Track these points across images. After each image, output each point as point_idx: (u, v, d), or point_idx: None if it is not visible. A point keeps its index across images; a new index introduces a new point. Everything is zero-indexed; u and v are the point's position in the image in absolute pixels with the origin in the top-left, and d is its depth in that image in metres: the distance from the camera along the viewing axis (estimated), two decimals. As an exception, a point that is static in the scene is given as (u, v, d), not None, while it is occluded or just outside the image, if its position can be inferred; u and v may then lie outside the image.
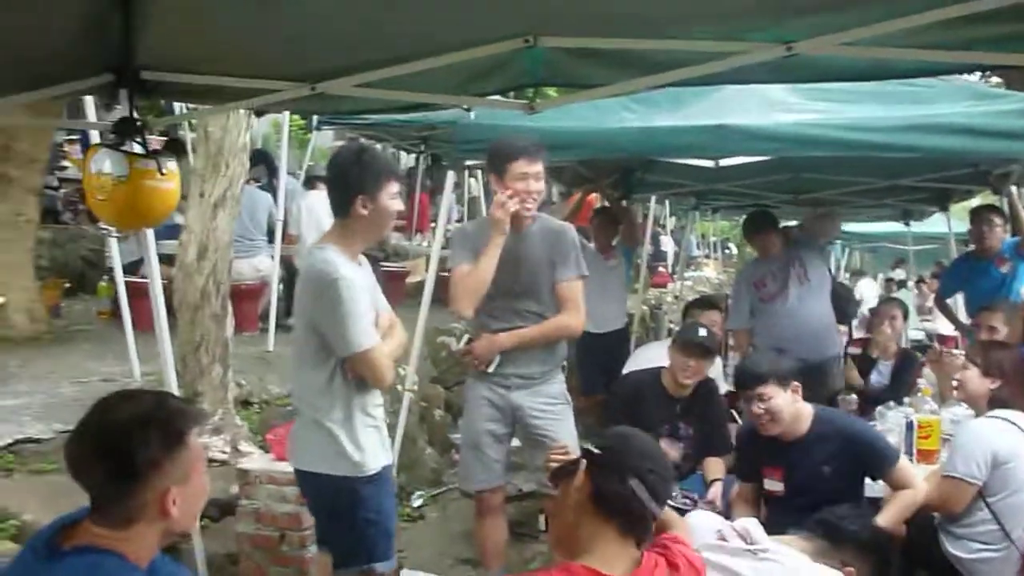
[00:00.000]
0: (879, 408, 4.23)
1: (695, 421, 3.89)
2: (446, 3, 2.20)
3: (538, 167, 3.26)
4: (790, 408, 3.09)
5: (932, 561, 3.20)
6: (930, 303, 8.40)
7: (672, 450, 3.79)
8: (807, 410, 3.15)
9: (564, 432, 3.43)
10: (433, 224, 10.69)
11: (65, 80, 2.45)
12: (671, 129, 3.40)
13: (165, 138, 5.59)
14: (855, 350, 5.52)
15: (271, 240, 6.87)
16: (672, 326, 9.05)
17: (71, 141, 9.19)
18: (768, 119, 3.91)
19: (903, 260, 14.16)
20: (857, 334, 7.94)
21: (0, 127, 5.59)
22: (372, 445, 2.77)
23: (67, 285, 7.18)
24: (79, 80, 2.49)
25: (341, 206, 2.75)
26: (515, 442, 3.67)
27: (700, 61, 2.38)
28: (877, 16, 2.04)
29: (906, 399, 4.20)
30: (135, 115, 2.58)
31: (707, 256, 17.71)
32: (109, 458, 1.59)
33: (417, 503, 5.13)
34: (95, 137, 4.15)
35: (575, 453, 2.84)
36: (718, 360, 4.80)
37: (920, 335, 8.32)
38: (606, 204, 6.30)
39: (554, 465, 2.83)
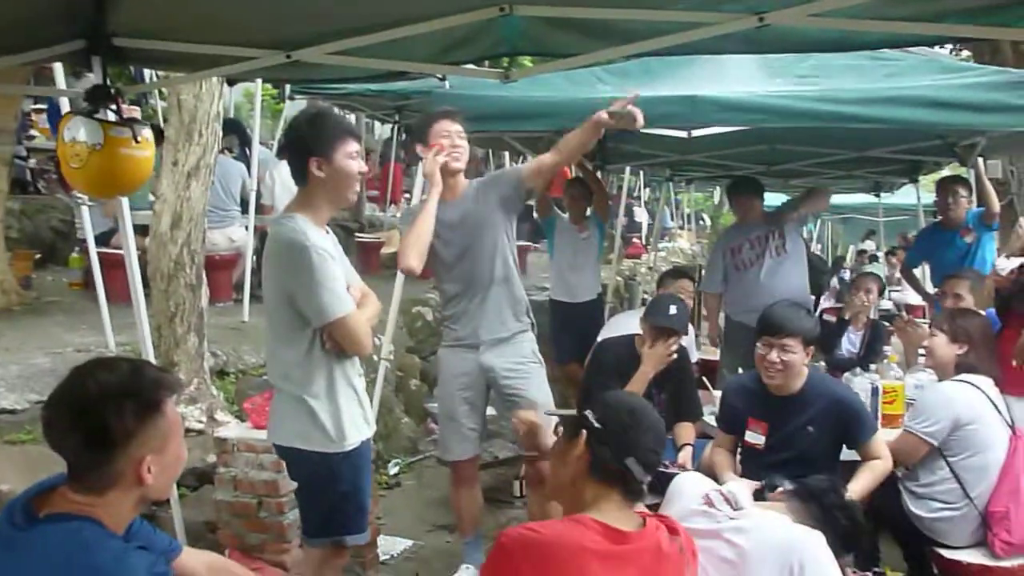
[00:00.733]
0: (846, 374, 4.32)
1: (667, 388, 3.95)
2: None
3: (458, 127, 3.41)
4: (800, 367, 3.17)
5: (894, 520, 3.31)
6: (898, 274, 8.54)
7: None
8: (804, 370, 3.23)
9: (536, 391, 3.49)
10: (407, 195, 10.66)
11: (35, 47, 2.42)
12: (644, 99, 3.44)
13: (138, 107, 5.52)
14: (829, 317, 5.62)
15: (245, 210, 6.82)
16: (646, 296, 9.12)
17: (38, 111, 9.01)
18: (740, 90, 3.95)
19: (873, 232, 14.34)
20: (826, 304, 8.11)
21: (-34, 95, 5.50)
22: (353, 418, 2.74)
23: (37, 256, 7.09)
24: (49, 47, 2.46)
25: (299, 172, 2.69)
26: (491, 411, 3.73)
27: (674, 31, 2.41)
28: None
29: (872, 366, 4.30)
30: (108, 82, 2.57)
31: (681, 227, 17.79)
32: (85, 426, 1.60)
33: (394, 471, 5.20)
34: (66, 105, 4.10)
35: (548, 412, 2.90)
36: (691, 328, 4.87)
37: (889, 305, 8.47)
38: (579, 175, 6.33)
39: (521, 428, 2.91)
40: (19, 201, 7.49)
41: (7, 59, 2.45)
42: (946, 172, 6.48)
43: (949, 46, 8.80)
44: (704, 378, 4.56)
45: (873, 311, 5.79)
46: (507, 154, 11.73)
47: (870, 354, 5.03)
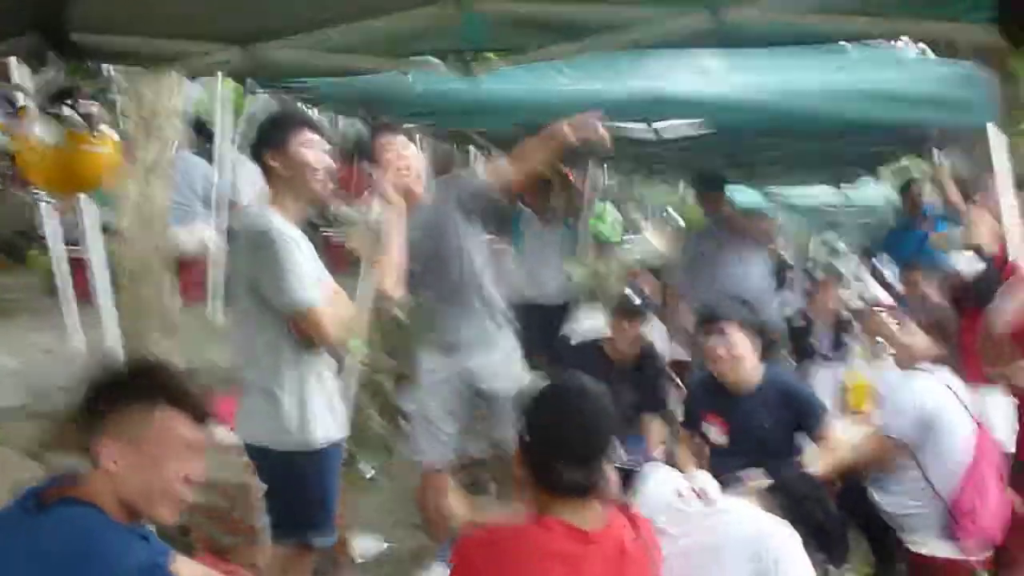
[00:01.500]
0: (812, 367, 4.40)
1: (632, 378, 4.01)
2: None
3: (401, 136, 3.41)
4: (752, 358, 3.22)
5: (861, 513, 3.33)
6: (864, 270, 8.68)
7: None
8: (760, 367, 3.29)
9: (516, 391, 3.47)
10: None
11: (-12, 40, 2.38)
12: (603, 92, 3.49)
13: (96, 103, 5.41)
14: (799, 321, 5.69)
15: (209, 207, 6.74)
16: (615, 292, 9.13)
17: (-8, 106, 8.83)
18: (699, 85, 3.98)
19: (835, 225, 14.47)
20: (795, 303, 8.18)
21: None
22: (321, 415, 2.72)
23: (-4, 255, 6.97)
24: (4, 40, 2.42)
25: (263, 169, 2.69)
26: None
27: (631, 26, 2.43)
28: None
29: (841, 362, 4.38)
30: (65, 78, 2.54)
31: (646, 218, 17.82)
32: (96, 386, 1.74)
33: (369, 475, 5.16)
34: (21, 100, 4.03)
35: None
36: (662, 326, 4.93)
37: (857, 302, 8.58)
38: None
39: None
40: (-27, 199, 7.35)
41: (-40, 54, 2.41)
42: (905, 163, 6.60)
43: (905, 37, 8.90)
44: (677, 378, 4.63)
45: (841, 307, 5.87)
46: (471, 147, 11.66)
47: (834, 348, 5.12)
